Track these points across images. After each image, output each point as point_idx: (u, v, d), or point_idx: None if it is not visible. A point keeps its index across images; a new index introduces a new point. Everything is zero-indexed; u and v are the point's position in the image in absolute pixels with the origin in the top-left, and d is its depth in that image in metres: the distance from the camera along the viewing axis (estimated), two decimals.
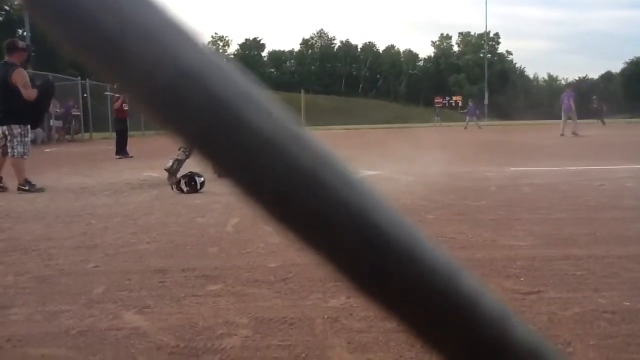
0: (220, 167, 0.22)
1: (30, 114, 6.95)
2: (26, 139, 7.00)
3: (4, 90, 6.73)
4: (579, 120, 19.80)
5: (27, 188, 6.84)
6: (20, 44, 7.16)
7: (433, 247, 0.24)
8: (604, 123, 29.95)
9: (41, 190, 6.88)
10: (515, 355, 0.25)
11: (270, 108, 0.22)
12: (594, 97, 35.28)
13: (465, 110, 34.86)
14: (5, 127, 6.93)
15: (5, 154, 7.03)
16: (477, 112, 34.61)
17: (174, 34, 0.21)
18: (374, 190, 0.23)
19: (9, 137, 6.93)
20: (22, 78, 6.77)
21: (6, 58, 7.00)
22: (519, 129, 27.42)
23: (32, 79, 7.14)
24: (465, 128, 31.11)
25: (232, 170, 0.22)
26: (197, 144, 0.21)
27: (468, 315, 0.24)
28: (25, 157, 7.00)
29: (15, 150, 6.92)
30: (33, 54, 7.60)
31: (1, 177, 7.07)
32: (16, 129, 6.90)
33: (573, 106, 19.41)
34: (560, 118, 20.31)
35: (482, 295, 0.24)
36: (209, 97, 0.21)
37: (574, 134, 18.51)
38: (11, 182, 7.03)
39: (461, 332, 0.24)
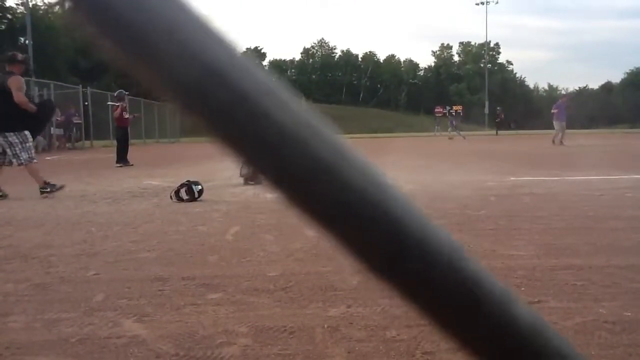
0: (247, 160, 0.23)
1: (27, 122, 7.06)
2: (27, 144, 7.06)
3: (2, 98, 6.86)
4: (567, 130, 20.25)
5: (48, 190, 6.97)
6: (20, 56, 7.42)
7: (442, 232, 0.26)
8: (497, 133, 30.12)
9: (62, 188, 7.06)
10: (519, 333, 0.26)
11: (292, 104, 0.23)
12: (498, 107, 35.23)
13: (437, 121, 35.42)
14: (0, 137, 7.04)
15: (1, 164, 7.13)
16: (454, 123, 34.80)
17: (200, 31, 0.22)
18: (389, 181, 0.25)
19: (7, 146, 7.01)
20: (16, 83, 6.94)
21: (7, 69, 7.21)
22: (519, 138, 27.46)
23: (31, 99, 7.35)
24: (450, 138, 31.38)
25: (258, 162, 0.23)
26: (224, 139, 0.22)
27: (473, 294, 0.25)
28: (35, 160, 7.13)
29: (21, 158, 7.01)
30: (31, 67, 7.90)
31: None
32: (11, 137, 6.98)
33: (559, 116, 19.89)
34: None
35: (486, 276, 0.26)
36: (235, 93, 0.22)
37: (560, 142, 19.03)
38: (11, 189, 7.05)
39: (467, 312, 0.26)
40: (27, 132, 7.10)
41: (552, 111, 20.20)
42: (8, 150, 7.03)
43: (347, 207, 0.23)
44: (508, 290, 0.26)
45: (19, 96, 6.86)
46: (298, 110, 0.23)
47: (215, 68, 0.22)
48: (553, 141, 19.40)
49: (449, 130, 33.34)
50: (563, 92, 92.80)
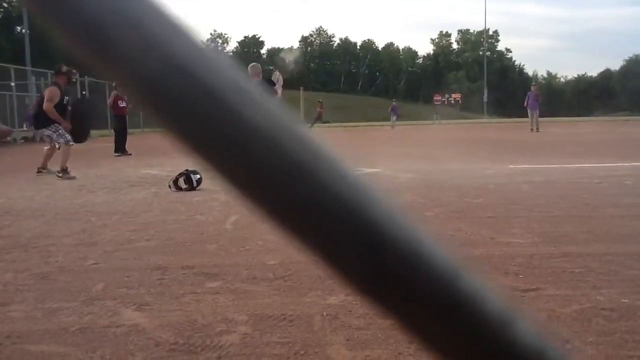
0: (212, 160, 0.21)
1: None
2: (60, 131, 8.16)
3: (40, 102, 8.35)
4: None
5: (61, 175, 7.94)
6: (64, 68, 8.47)
7: (433, 243, 0.23)
8: (311, 126, 29.50)
9: (73, 178, 7.87)
10: (518, 356, 0.24)
11: (262, 101, 0.21)
12: (319, 100, 34.21)
13: (389, 110, 35.06)
14: (38, 131, 8.75)
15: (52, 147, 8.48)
16: (398, 112, 34.66)
17: (163, 23, 0.20)
18: (369, 185, 0.22)
19: (46, 138, 8.46)
20: (49, 93, 8.23)
21: (54, 79, 8.69)
22: (518, 126, 27.44)
23: (67, 103, 8.52)
24: (392, 127, 31.52)
25: (223, 164, 0.21)
26: (187, 137, 0.21)
27: (468, 314, 0.23)
28: (71, 143, 8.20)
29: (59, 142, 8.22)
30: (74, 79, 9.18)
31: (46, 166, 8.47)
32: (45, 132, 8.32)
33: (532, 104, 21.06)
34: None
35: (484, 295, 0.23)
36: (200, 88, 0.20)
37: (531, 130, 20.03)
38: (11, 179, 7.03)
39: (461, 332, 0.23)
40: (54, 125, 8.17)
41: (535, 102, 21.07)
42: (47, 140, 8.45)
43: (322, 213, 0.21)
44: (510, 309, 0.24)
45: (47, 106, 8.08)
46: (269, 107, 0.21)
47: (178, 61, 0.20)
48: (531, 129, 20.06)
49: (395, 119, 33.43)
50: (562, 80, 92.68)
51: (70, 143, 8.16)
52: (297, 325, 2.33)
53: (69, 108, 8.36)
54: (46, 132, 8.31)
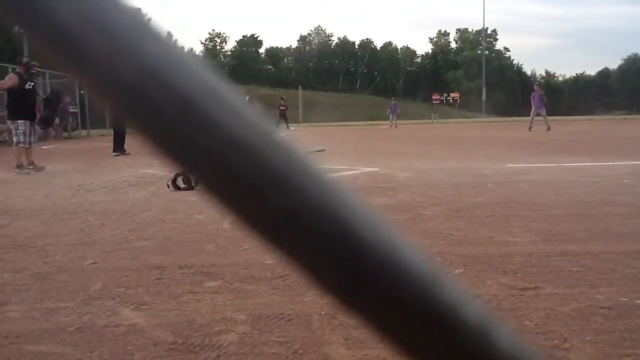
0: (187, 168, 0.21)
1: (22, 112, 8.92)
2: (19, 130, 8.80)
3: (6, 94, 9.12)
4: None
5: (16, 170, 8.66)
6: (24, 60, 9.19)
7: (413, 250, 0.23)
8: (287, 127, 29.07)
9: (27, 173, 8.59)
10: None
11: (240, 106, 0.21)
12: (282, 97, 33.02)
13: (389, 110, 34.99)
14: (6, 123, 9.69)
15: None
16: (398, 111, 34.67)
17: (137, 29, 0.20)
18: (347, 191, 0.22)
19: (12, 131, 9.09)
20: (7, 78, 9.07)
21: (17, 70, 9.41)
22: (517, 125, 27.47)
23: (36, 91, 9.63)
24: (390, 127, 31.60)
25: (196, 170, 0.21)
26: (161, 144, 0.20)
27: (448, 323, 0.23)
28: (21, 145, 8.83)
29: (14, 140, 9.02)
30: (33, 70, 9.40)
31: (32, 161, 9.04)
32: (10, 125, 9.09)
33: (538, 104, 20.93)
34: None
35: (464, 303, 0.23)
36: (175, 94, 0.20)
37: (546, 128, 19.61)
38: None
39: (439, 340, 0.23)
40: (19, 122, 8.84)
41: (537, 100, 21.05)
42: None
43: (298, 220, 0.21)
44: (490, 317, 0.24)
45: (1, 84, 9.07)
46: (246, 114, 0.21)
47: (152, 66, 0.20)
48: (548, 128, 19.93)
49: (394, 118, 33.42)
50: (561, 79, 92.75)
51: (21, 145, 8.82)
52: (295, 324, 2.33)
53: (37, 96, 9.16)
54: (10, 125, 9.11)
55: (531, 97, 21.40)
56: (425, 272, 0.22)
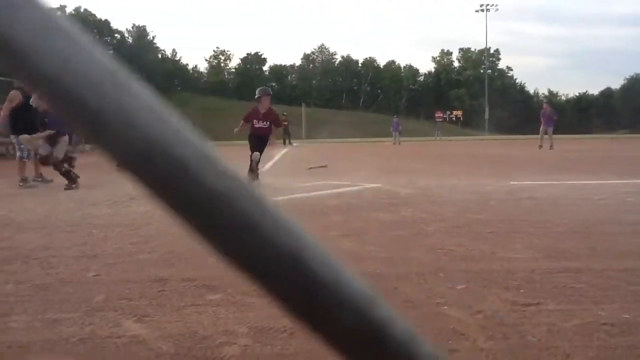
0: (168, 209, 0.27)
1: (21, 127, 8.98)
2: (22, 145, 8.99)
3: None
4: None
5: (21, 184, 8.73)
6: (15, 84, 9.26)
7: (354, 277, 0.28)
8: (290, 144, 29.33)
9: (32, 186, 8.76)
10: None
11: (222, 166, 0.25)
12: (284, 113, 33.20)
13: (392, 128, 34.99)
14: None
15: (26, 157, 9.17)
16: (400, 128, 34.68)
17: (127, 91, 0.23)
18: (303, 232, 0.26)
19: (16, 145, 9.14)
20: (11, 96, 9.04)
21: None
22: (519, 142, 27.50)
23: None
24: (394, 144, 31.71)
25: (180, 215, 0.27)
26: (150, 189, 0.26)
27: (380, 337, 0.28)
28: (25, 159, 8.99)
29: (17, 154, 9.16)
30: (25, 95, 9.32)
31: (41, 174, 9.38)
32: (13, 139, 9.20)
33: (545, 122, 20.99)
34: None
35: (393, 319, 0.28)
36: (149, 142, 0.24)
37: (550, 147, 19.72)
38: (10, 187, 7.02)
39: (376, 353, 0.28)
40: (21, 136, 8.93)
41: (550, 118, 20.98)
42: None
43: (265, 261, 0.26)
44: (412, 330, 0.29)
45: (4, 107, 9.24)
46: (228, 172, 0.25)
47: (143, 131, 0.23)
48: (540, 146, 20.06)
49: (397, 135, 33.54)
50: (563, 98, 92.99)
51: (24, 160, 8.96)
52: (298, 337, 2.33)
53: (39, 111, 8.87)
54: (14, 139, 9.16)
55: (540, 114, 21.40)
56: (364, 294, 0.27)
